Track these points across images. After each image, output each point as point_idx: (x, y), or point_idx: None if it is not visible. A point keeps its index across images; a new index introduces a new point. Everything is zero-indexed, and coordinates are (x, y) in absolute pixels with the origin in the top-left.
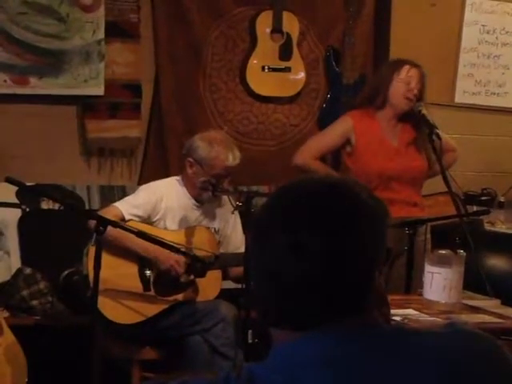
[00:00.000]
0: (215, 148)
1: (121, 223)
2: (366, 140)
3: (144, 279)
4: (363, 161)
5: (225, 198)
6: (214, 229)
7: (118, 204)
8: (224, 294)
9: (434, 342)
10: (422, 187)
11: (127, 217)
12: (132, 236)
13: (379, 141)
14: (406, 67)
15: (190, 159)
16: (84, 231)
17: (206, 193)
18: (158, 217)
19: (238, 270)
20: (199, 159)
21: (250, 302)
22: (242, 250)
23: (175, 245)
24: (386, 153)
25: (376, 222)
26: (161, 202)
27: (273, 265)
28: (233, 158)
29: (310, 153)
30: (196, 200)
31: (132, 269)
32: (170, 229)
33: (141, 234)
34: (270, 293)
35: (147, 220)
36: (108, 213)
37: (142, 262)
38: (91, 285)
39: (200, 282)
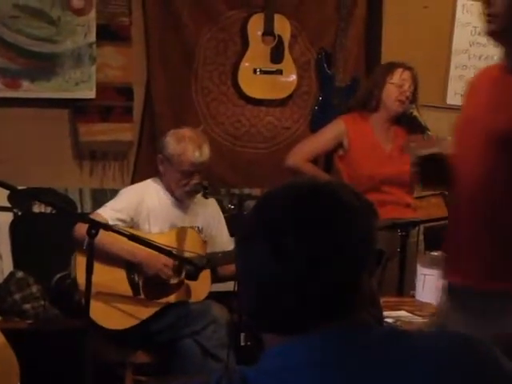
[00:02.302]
0: (182, 144)
1: (112, 226)
2: (358, 144)
3: (133, 283)
4: (355, 164)
5: (197, 196)
6: (198, 227)
7: (100, 211)
8: (215, 297)
9: (424, 344)
10: (414, 189)
11: (111, 222)
12: (118, 241)
13: (372, 145)
14: (399, 70)
15: (160, 156)
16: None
17: (181, 190)
18: (141, 219)
19: (225, 269)
20: (168, 155)
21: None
22: (230, 248)
23: (166, 247)
24: (378, 157)
25: (360, 223)
26: (142, 204)
27: (256, 269)
28: (199, 154)
29: (302, 155)
30: (175, 198)
31: (120, 274)
32: (154, 230)
33: (132, 238)
34: (255, 297)
35: (131, 223)
36: None
37: (130, 266)
38: (80, 289)
39: (190, 282)
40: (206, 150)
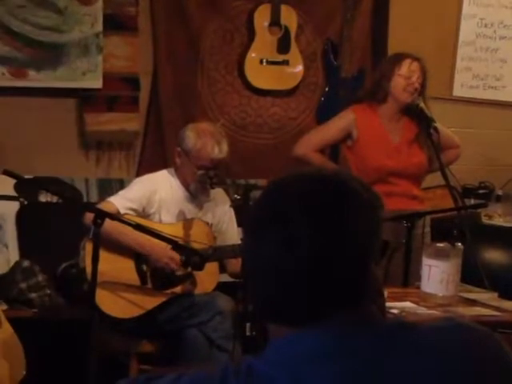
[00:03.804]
0: (202, 139)
1: (118, 216)
2: (367, 135)
3: (141, 273)
4: (363, 155)
5: (213, 191)
6: (208, 223)
7: (112, 199)
8: (221, 287)
9: (432, 336)
10: (422, 181)
11: (122, 211)
12: (127, 231)
13: (380, 137)
14: (408, 61)
15: (179, 149)
16: (81, 225)
17: (196, 184)
18: (152, 210)
19: (235, 266)
20: (186, 149)
21: (247, 296)
22: (239, 241)
23: (172, 238)
24: (386, 149)
25: (369, 213)
26: (155, 195)
27: (266, 260)
28: (219, 150)
29: (310, 144)
30: (189, 192)
31: (129, 263)
32: (165, 221)
33: (138, 227)
34: (265, 289)
35: (142, 213)
36: (103, 208)
37: (138, 256)
38: (88, 278)
39: (198, 274)
40: (225, 147)
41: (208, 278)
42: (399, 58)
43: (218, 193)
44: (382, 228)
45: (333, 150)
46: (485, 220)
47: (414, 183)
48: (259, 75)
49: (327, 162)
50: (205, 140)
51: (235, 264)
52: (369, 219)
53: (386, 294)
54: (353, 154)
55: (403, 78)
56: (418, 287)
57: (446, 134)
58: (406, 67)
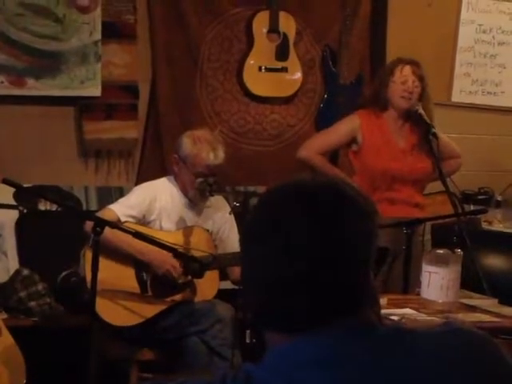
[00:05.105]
0: (197, 146)
1: (118, 224)
2: (372, 139)
3: (141, 281)
4: (368, 160)
5: (213, 198)
6: (208, 230)
7: (112, 206)
8: (221, 295)
9: (430, 342)
10: (424, 188)
11: (122, 218)
12: (127, 239)
13: (385, 141)
14: (399, 67)
15: (176, 156)
16: (81, 233)
17: (195, 191)
18: (153, 217)
19: (238, 273)
20: (183, 156)
21: (246, 303)
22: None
23: (172, 245)
24: (392, 153)
25: (366, 219)
26: (155, 202)
27: (267, 270)
28: (214, 157)
29: (314, 148)
30: (189, 199)
31: (129, 271)
32: (165, 229)
33: (138, 235)
34: (263, 296)
35: (142, 220)
36: (103, 215)
37: (139, 264)
38: (88, 286)
39: (198, 282)
40: (221, 153)
41: (208, 285)
42: (393, 64)
43: (218, 200)
44: (378, 234)
45: (332, 155)
46: (484, 226)
47: (416, 190)
48: (258, 82)
49: (330, 166)
50: (200, 147)
51: (238, 271)
52: (366, 225)
53: (385, 301)
54: (357, 159)
55: (398, 84)
56: (418, 294)
57: (446, 143)
58: (398, 72)
